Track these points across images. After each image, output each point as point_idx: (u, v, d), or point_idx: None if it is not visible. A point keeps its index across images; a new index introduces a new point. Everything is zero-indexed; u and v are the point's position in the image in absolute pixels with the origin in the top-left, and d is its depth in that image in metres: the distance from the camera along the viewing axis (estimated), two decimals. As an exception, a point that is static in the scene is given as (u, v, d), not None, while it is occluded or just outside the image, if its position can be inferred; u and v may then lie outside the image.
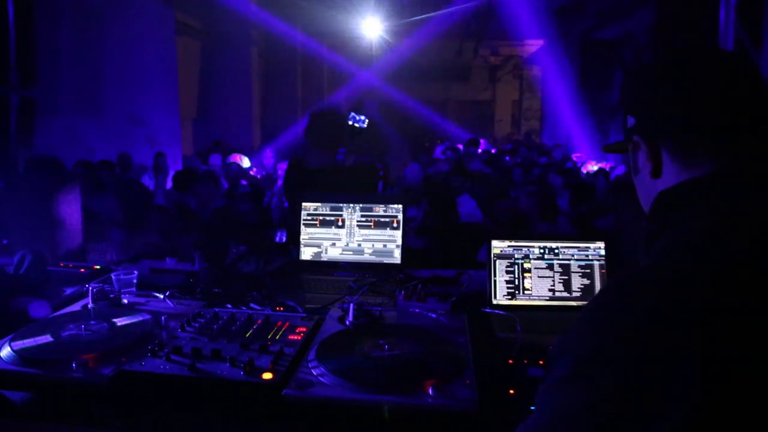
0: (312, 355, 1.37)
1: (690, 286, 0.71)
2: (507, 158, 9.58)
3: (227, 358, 1.33)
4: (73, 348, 1.40)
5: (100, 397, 1.29)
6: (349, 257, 2.22)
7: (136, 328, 1.53)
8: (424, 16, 11.01)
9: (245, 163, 7.90)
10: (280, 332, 1.52)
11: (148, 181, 6.52)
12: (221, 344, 1.42)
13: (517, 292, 1.89)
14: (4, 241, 2.53)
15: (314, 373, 1.29)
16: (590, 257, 1.92)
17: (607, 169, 7.19)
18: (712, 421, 0.64)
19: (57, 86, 6.73)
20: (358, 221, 2.22)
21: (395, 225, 2.20)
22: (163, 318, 1.57)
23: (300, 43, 13.29)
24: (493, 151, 10.29)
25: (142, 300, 1.82)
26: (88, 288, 1.80)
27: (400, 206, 2.21)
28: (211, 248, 2.42)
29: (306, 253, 2.25)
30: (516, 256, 1.93)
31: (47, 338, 1.45)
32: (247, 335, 1.49)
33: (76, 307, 1.78)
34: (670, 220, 0.85)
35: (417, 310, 1.72)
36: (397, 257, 2.19)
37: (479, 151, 10.04)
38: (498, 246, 1.94)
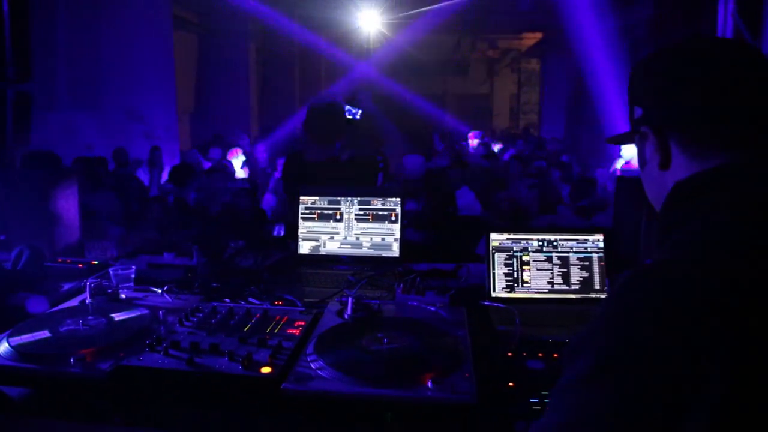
0: (310, 348, 1.37)
1: (714, 280, 0.69)
2: (511, 150, 9.55)
3: (225, 352, 1.33)
4: (71, 343, 1.40)
5: (98, 392, 1.29)
6: (348, 251, 2.21)
7: (134, 323, 1.52)
8: (422, 9, 10.98)
9: (242, 157, 7.88)
10: (279, 326, 1.52)
11: (143, 176, 6.50)
12: (219, 338, 1.42)
13: (515, 284, 1.89)
14: (2, 237, 2.52)
15: (313, 366, 1.29)
16: (589, 249, 1.91)
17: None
18: (743, 417, 0.62)
19: (53, 81, 6.71)
20: (356, 215, 2.22)
21: (393, 218, 2.20)
22: (161, 313, 1.57)
23: (297, 37, 13.25)
24: (494, 146, 10.26)
25: (140, 295, 1.81)
26: (85, 283, 1.79)
27: (398, 199, 2.21)
28: (211, 242, 2.41)
29: (304, 247, 2.24)
30: (515, 248, 1.92)
31: (45, 333, 1.45)
32: (245, 329, 1.49)
33: (74, 302, 1.78)
34: (687, 213, 0.83)
35: (415, 304, 1.71)
36: (395, 251, 2.18)
37: (478, 142, 10.02)
38: (496, 239, 1.93)
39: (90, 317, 1.53)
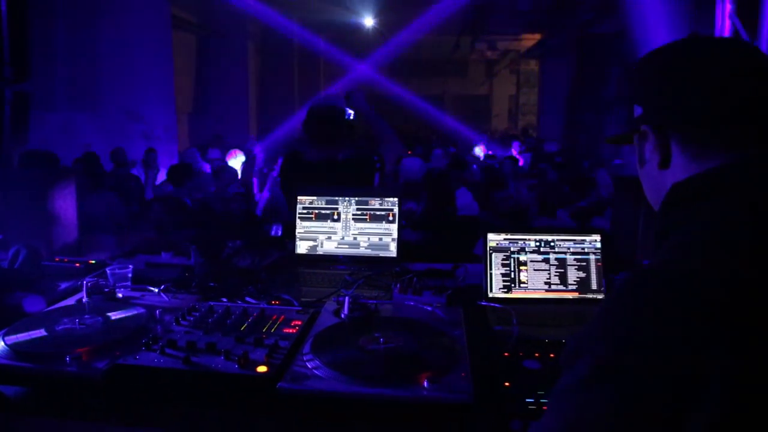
0: (307, 348, 1.37)
1: (714, 281, 0.68)
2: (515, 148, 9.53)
3: (222, 351, 1.33)
4: (67, 342, 1.39)
5: (94, 390, 1.29)
6: (345, 251, 2.21)
7: (130, 322, 1.52)
8: (421, 10, 10.99)
9: (240, 158, 7.87)
10: (276, 325, 1.52)
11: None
12: (216, 338, 1.42)
13: (513, 285, 1.89)
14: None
15: (309, 366, 1.29)
16: (586, 250, 1.91)
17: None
18: (744, 417, 0.62)
19: (52, 81, 6.71)
20: (353, 215, 2.22)
21: (391, 218, 2.20)
22: (157, 312, 1.57)
23: (296, 37, 13.25)
24: (489, 152, 10.26)
25: (137, 294, 1.81)
26: (82, 282, 1.79)
27: (396, 199, 2.21)
28: (208, 242, 2.41)
29: (302, 247, 2.24)
30: (512, 249, 1.92)
31: (41, 332, 1.45)
32: (242, 329, 1.49)
33: (70, 301, 1.78)
34: (687, 213, 0.82)
35: (412, 304, 1.71)
36: (393, 251, 2.18)
37: (484, 152, 10.04)
38: (494, 239, 1.93)
39: (86, 316, 1.53)
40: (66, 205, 2.58)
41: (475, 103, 21.57)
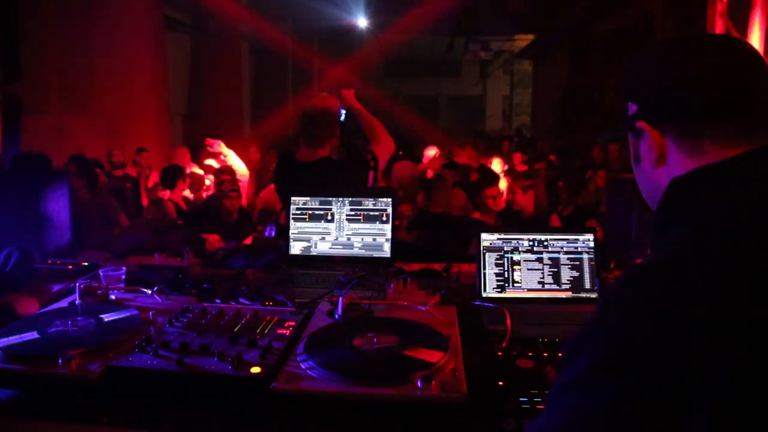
0: (301, 348, 1.36)
1: (713, 278, 0.68)
2: None
3: (215, 352, 1.33)
4: (60, 344, 1.39)
5: (87, 393, 1.28)
6: (339, 251, 2.21)
7: (123, 324, 1.52)
8: (414, 11, 11.00)
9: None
10: (269, 326, 1.52)
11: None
12: (209, 339, 1.42)
13: (506, 284, 1.90)
14: (-9, 239, 2.50)
15: (303, 366, 1.29)
16: (579, 249, 1.92)
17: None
18: (743, 414, 0.62)
19: (44, 83, 6.68)
20: (347, 215, 2.22)
21: (385, 219, 2.20)
22: (150, 313, 1.56)
23: (290, 38, 13.24)
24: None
25: (130, 296, 1.81)
26: (75, 284, 1.79)
27: (390, 200, 2.21)
28: (202, 243, 2.41)
29: (295, 248, 2.24)
30: (505, 248, 1.93)
31: (33, 335, 1.44)
32: (235, 330, 1.49)
33: (63, 303, 1.77)
34: (685, 209, 0.82)
35: (406, 304, 1.71)
36: (386, 251, 2.18)
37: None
38: (487, 239, 1.94)
39: (79, 318, 1.53)
40: (59, 207, 2.57)
41: (468, 103, 21.60)
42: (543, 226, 3.83)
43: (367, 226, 2.21)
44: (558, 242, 1.93)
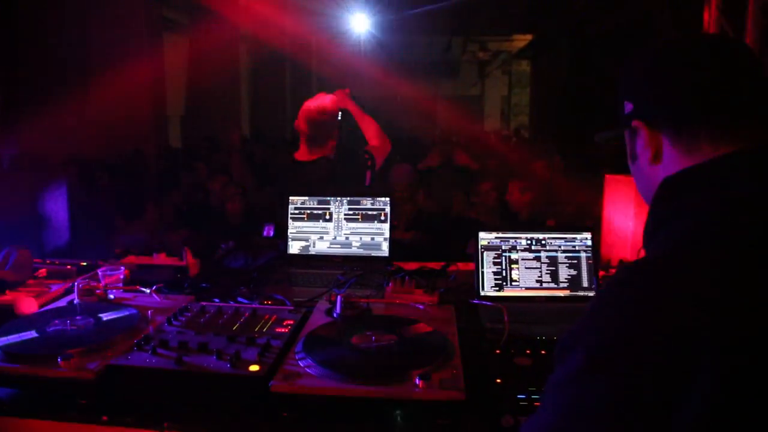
0: (299, 347, 1.37)
1: (703, 275, 0.69)
2: None
3: (214, 350, 1.33)
4: (59, 343, 1.39)
5: (86, 391, 1.28)
6: (337, 250, 2.22)
7: (122, 323, 1.52)
8: (412, 11, 11.00)
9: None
10: (268, 325, 1.52)
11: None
12: (208, 337, 1.42)
13: (504, 283, 1.90)
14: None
15: (301, 364, 1.29)
16: (577, 248, 1.93)
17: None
18: (733, 406, 0.63)
19: (42, 84, 6.67)
20: (345, 214, 2.22)
21: (383, 218, 2.20)
22: (149, 312, 1.56)
23: (288, 39, 13.23)
24: None
25: (128, 295, 1.81)
26: (74, 284, 1.79)
27: (388, 199, 2.21)
28: (201, 243, 2.41)
29: (294, 247, 2.24)
30: (503, 247, 1.93)
31: (32, 334, 1.44)
32: (234, 328, 1.49)
33: (62, 303, 1.77)
34: (676, 208, 0.83)
35: (404, 302, 1.72)
36: (385, 250, 2.19)
37: None
38: (485, 237, 1.94)
39: (78, 317, 1.53)
40: (57, 207, 2.57)
41: (467, 103, 21.61)
42: (541, 225, 3.84)
43: (366, 225, 2.21)
44: (556, 241, 1.93)
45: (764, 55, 4.05)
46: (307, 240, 2.24)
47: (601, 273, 1.91)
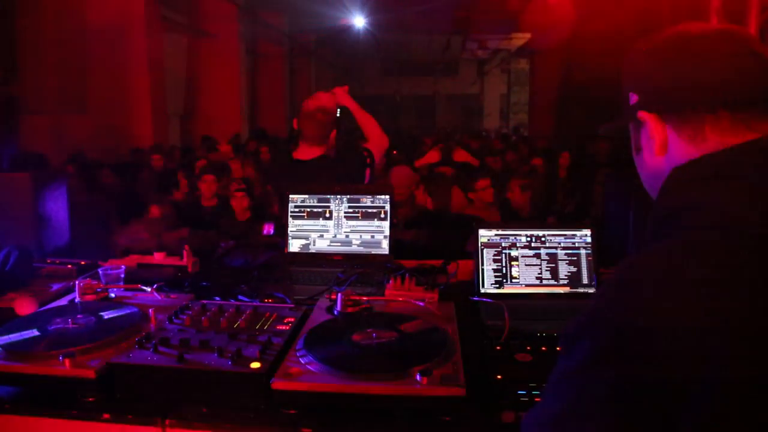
0: (300, 344, 1.37)
1: (714, 268, 0.69)
2: None
3: (215, 348, 1.33)
4: (60, 341, 1.39)
5: (87, 389, 1.29)
6: (338, 248, 2.22)
7: (123, 321, 1.52)
8: (411, 9, 10.99)
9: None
10: (268, 323, 1.53)
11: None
12: (209, 335, 1.42)
13: (504, 280, 1.90)
14: (-10, 239, 2.50)
15: (302, 361, 1.30)
16: (577, 245, 1.93)
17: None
18: (740, 400, 0.63)
19: (41, 84, 6.67)
20: (345, 212, 2.22)
21: (383, 216, 2.21)
22: (150, 310, 1.57)
23: (287, 38, 13.23)
24: None
25: (129, 294, 1.81)
26: (74, 283, 1.79)
27: (388, 197, 2.21)
28: (201, 243, 2.41)
29: (294, 246, 2.24)
30: (503, 244, 1.93)
31: (33, 332, 1.44)
32: (235, 326, 1.49)
33: (62, 302, 1.78)
34: (686, 199, 0.83)
35: (405, 299, 1.72)
36: (385, 248, 2.19)
37: None
38: (485, 235, 1.94)
39: (79, 316, 1.53)
40: (57, 207, 2.57)
41: (466, 102, 21.62)
42: (541, 222, 3.84)
43: (366, 223, 2.21)
44: (555, 238, 1.94)
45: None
46: (307, 238, 2.24)
47: (602, 270, 1.91)
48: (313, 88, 14.88)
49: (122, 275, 1.93)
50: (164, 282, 1.91)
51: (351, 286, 1.91)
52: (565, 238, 1.93)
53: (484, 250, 1.93)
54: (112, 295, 1.79)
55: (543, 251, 1.92)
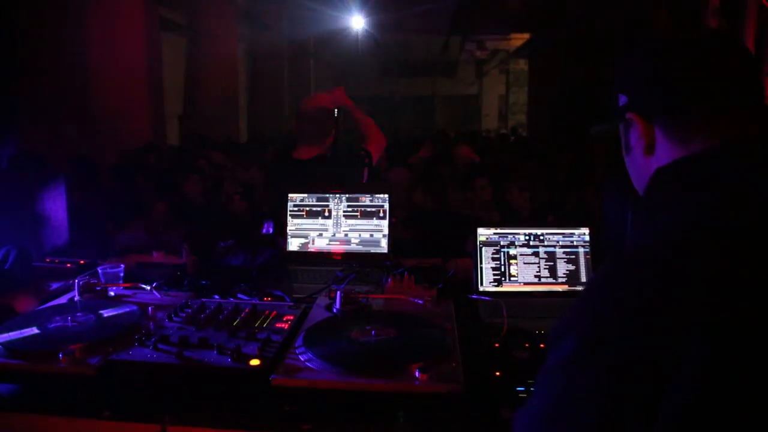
0: (299, 341, 1.38)
1: (694, 266, 0.70)
2: None
3: (215, 345, 1.33)
4: (60, 339, 1.40)
5: (87, 387, 1.29)
6: (337, 247, 2.22)
7: (122, 319, 1.53)
8: (410, 10, 11.00)
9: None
10: (268, 320, 1.53)
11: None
12: (208, 333, 1.43)
13: (503, 278, 1.91)
14: (-11, 238, 2.50)
15: (301, 358, 1.30)
16: (575, 243, 1.94)
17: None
18: (721, 391, 0.64)
19: (40, 84, 6.67)
20: (344, 211, 2.23)
21: (382, 214, 2.21)
22: (150, 308, 1.57)
23: (286, 38, 13.24)
24: None
25: (129, 292, 1.81)
26: (74, 282, 1.79)
27: (386, 196, 2.22)
28: (200, 241, 2.42)
29: (293, 244, 2.25)
30: (502, 243, 1.94)
31: (33, 330, 1.45)
32: (234, 324, 1.50)
33: (62, 300, 1.78)
34: (668, 198, 0.85)
35: (404, 297, 1.72)
36: (384, 246, 2.20)
37: None
38: (484, 233, 1.95)
39: (79, 314, 1.53)
40: (56, 206, 2.57)
41: (465, 103, 21.64)
42: (539, 221, 3.85)
43: (365, 222, 2.22)
44: (554, 236, 1.94)
45: (761, 54, 4.07)
46: (306, 237, 2.24)
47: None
48: (313, 89, 14.90)
49: (121, 274, 1.94)
50: (163, 281, 1.91)
51: (350, 284, 1.91)
52: (564, 237, 1.94)
53: (483, 249, 1.93)
54: (112, 293, 1.80)
55: (541, 250, 1.93)
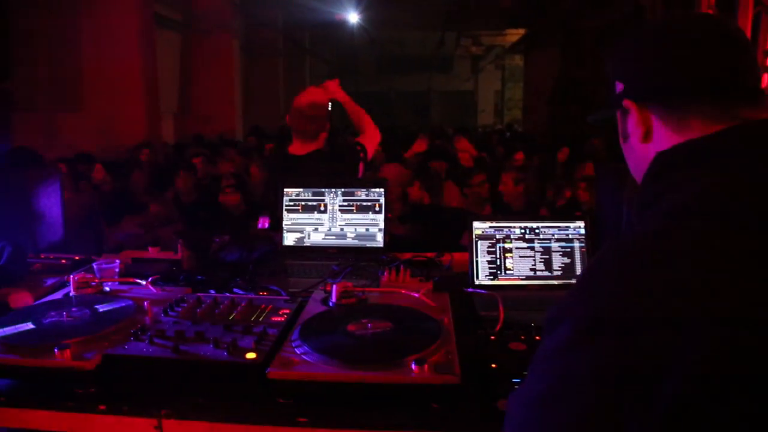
0: (295, 334, 1.38)
1: (694, 250, 0.70)
2: None
3: (211, 339, 1.33)
4: (55, 334, 1.39)
5: (83, 381, 1.29)
6: (332, 242, 2.22)
7: (118, 314, 1.52)
8: (405, 6, 10.99)
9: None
10: (264, 314, 1.53)
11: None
12: (204, 327, 1.43)
13: (498, 272, 1.91)
14: (-17, 234, 2.49)
15: (298, 351, 1.30)
16: (570, 236, 1.94)
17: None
18: (713, 390, 0.63)
19: (33, 81, 6.64)
20: (340, 206, 2.23)
21: (377, 209, 2.21)
22: (145, 303, 1.57)
23: (281, 34, 13.20)
24: None
25: (124, 288, 1.81)
26: (69, 278, 1.79)
27: (382, 190, 2.22)
28: (195, 237, 2.41)
29: (289, 239, 2.25)
30: (497, 236, 1.94)
31: (29, 325, 1.44)
32: (230, 318, 1.50)
33: (57, 295, 1.77)
34: (668, 183, 0.84)
35: (400, 290, 1.72)
36: (379, 241, 2.20)
37: None
38: (479, 227, 1.95)
39: (74, 309, 1.53)
40: (51, 203, 2.56)
41: (460, 98, 21.63)
42: (534, 215, 3.86)
43: (360, 216, 2.22)
44: (549, 230, 1.95)
45: (756, 46, 4.08)
46: (302, 231, 2.24)
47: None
48: (308, 85, 14.85)
49: (117, 269, 1.93)
50: (159, 276, 1.91)
51: (346, 278, 1.91)
52: (559, 230, 1.94)
53: (479, 242, 1.94)
54: (107, 288, 1.79)
55: (537, 243, 1.94)
